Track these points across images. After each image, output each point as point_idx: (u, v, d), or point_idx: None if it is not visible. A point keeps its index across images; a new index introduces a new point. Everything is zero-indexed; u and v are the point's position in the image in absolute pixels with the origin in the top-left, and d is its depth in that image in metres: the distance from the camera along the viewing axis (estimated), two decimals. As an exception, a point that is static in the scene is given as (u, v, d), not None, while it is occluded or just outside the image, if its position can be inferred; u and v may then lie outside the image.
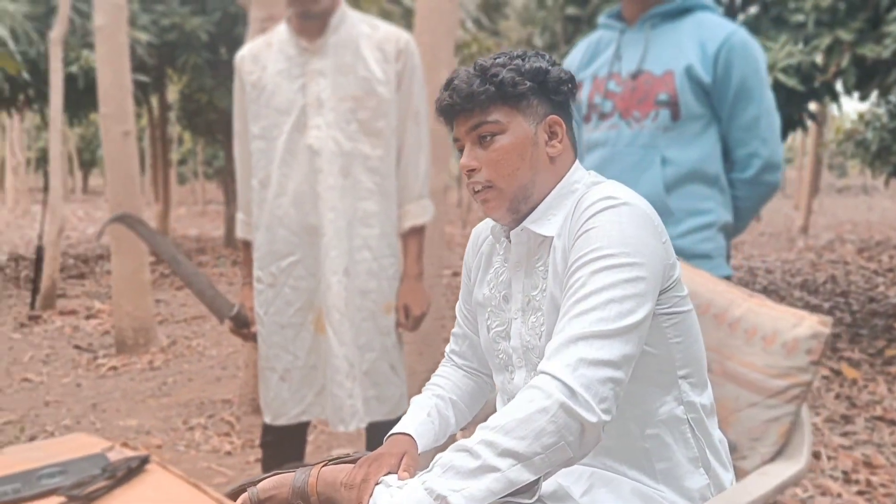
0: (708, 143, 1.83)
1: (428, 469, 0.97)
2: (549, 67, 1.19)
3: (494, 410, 1.22)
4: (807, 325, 1.35)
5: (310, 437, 3.43)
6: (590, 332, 1.00)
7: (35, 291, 6.65)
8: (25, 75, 6.27)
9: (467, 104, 1.16)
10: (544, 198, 1.19)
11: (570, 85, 1.20)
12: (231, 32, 8.99)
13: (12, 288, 7.92)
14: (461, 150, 1.21)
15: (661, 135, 1.81)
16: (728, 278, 1.86)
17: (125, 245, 5.01)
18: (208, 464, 3.20)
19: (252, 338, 2.14)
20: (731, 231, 1.91)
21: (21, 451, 1.34)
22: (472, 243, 1.37)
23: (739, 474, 1.40)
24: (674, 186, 1.82)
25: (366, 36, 2.03)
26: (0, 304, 7.01)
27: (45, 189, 6.68)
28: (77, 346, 5.33)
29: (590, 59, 1.99)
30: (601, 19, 2.00)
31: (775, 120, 1.83)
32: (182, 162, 27.67)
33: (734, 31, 1.79)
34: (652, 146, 1.82)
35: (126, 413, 3.89)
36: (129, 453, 1.27)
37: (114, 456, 1.25)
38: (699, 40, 1.80)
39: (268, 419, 2.10)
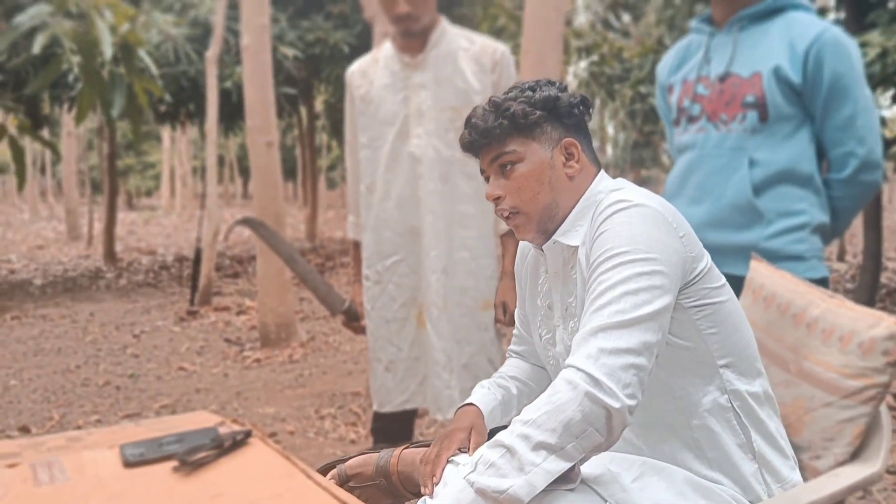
0: (800, 144, 1.81)
1: (472, 468, 1.05)
2: (559, 94, 1.28)
3: None
4: (884, 325, 1.33)
5: (430, 429, 3.60)
6: (607, 323, 1.08)
7: (194, 289, 7.30)
8: (168, 97, 6.83)
9: (485, 139, 1.27)
10: (570, 212, 1.28)
11: (581, 107, 1.29)
12: (372, 44, 9.42)
13: (176, 286, 8.71)
14: (488, 181, 1.31)
15: (748, 137, 1.81)
16: (824, 280, 1.83)
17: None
18: (334, 450, 3.44)
19: (362, 331, 2.32)
20: (828, 232, 1.87)
21: (153, 423, 1.57)
22: (519, 255, 1.46)
23: (813, 474, 1.40)
24: (763, 188, 1.81)
25: (464, 49, 2.16)
26: (164, 300, 7.74)
27: (203, 195, 7.31)
28: (227, 340, 5.82)
29: (680, 63, 2.01)
30: (692, 23, 2.02)
31: (873, 117, 1.78)
32: (331, 168, 29.07)
33: (825, 28, 1.76)
34: (739, 148, 1.82)
35: (265, 401, 4.23)
36: (237, 428, 1.45)
37: (223, 430, 1.44)
38: (788, 40, 1.78)
39: (376, 406, 2.28)
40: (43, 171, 27.89)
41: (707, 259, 1.23)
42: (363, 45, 9.54)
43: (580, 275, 1.22)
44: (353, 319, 2.32)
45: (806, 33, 1.76)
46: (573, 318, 1.27)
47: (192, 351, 5.49)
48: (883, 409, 1.40)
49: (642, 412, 1.21)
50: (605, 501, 1.14)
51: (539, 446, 1.03)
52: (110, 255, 10.84)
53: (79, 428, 3.74)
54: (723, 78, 1.86)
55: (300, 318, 6.34)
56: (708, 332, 1.20)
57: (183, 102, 8.12)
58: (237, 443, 1.38)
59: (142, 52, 3.32)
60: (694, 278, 1.19)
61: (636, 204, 1.16)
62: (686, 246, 1.18)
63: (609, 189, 1.27)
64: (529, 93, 1.27)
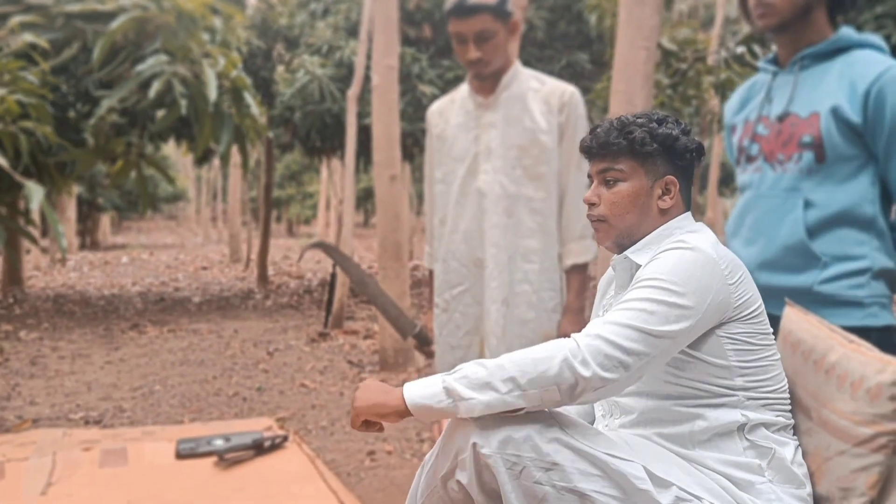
0: (861, 186, 1.75)
1: (452, 372, 1.27)
2: (679, 136, 1.41)
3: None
4: (891, 370, 1.29)
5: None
6: (614, 319, 1.25)
7: (328, 312, 7.72)
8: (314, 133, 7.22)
9: (601, 150, 1.42)
10: (647, 235, 1.42)
11: (693, 154, 1.42)
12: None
13: (315, 309, 9.23)
14: (590, 184, 1.47)
15: (804, 177, 1.78)
16: (888, 329, 1.75)
17: (390, 273, 5.68)
18: (425, 472, 3.55)
19: (432, 355, 2.44)
20: (895, 278, 1.79)
21: (216, 424, 1.77)
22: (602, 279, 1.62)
23: (828, 526, 1.36)
24: (819, 230, 1.76)
25: (533, 90, 2.25)
26: (302, 321, 8.23)
27: (339, 224, 7.75)
28: (349, 361, 6.12)
29: (743, 103, 2.00)
30: (760, 63, 2.00)
31: (941, 158, 1.69)
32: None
33: (889, 66, 1.70)
34: (794, 189, 1.79)
35: (372, 421, 4.42)
36: (279, 433, 1.61)
37: (267, 434, 1.60)
38: (850, 79, 1.74)
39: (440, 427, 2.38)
40: (215, 197, 30.35)
41: (759, 307, 1.36)
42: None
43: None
44: (424, 344, 2.44)
45: (867, 72, 1.72)
46: None
47: (316, 370, 5.82)
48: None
49: (648, 400, 1.37)
50: (564, 429, 1.25)
51: (509, 380, 1.22)
52: (263, 277, 11.65)
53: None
54: (781, 118, 1.84)
55: (420, 345, 6.54)
56: (733, 360, 1.32)
57: (328, 138, 8.68)
58: (275, 445, 1.54)
59: (247, 94, 3.67)
60: (734, 317, 1.32)
61: (692, 248, 1.31)
62: (733, 292, 1.31)
63: (685, 229, 1.41)
64: (654, 125, 1.41)
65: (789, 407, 1.41)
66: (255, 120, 3.84)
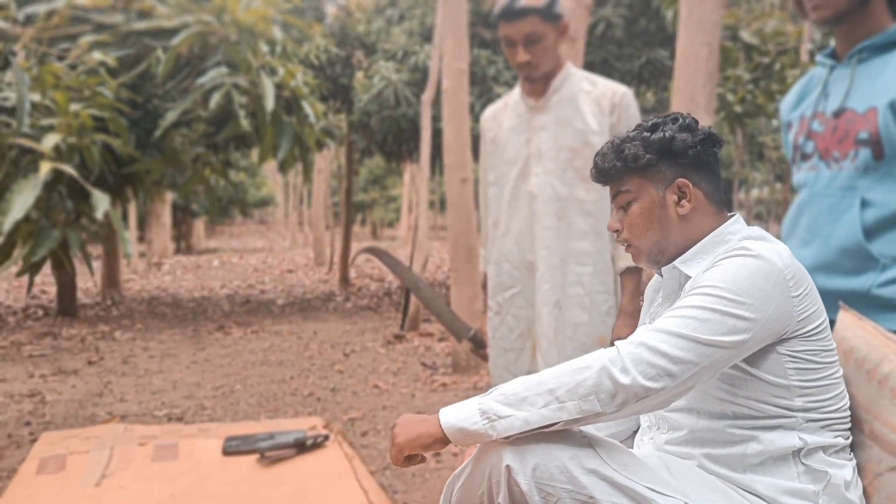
0: (923, 183, 1.66)
1: (490, 391, 1.24)
2: (675, 135, 1.34)
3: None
4: (947, 383, 1.21)
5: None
6: (661, 327, 1.19)
7: (404, 315, 7.82)
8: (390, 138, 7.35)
9: (604, 178, 1.40)
10: (689, 245, 1.36)
11: (699, 147, 1.35)
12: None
13: (393, 311, 9.37)
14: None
15: (860, 176, 1.69)
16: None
17: (463, 275, 5.71)
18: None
19: (486, 358, 2.45)
20: (960, 280, 1.68)
21: (265, 422, 1.83)
22: (651, 282, 1.58)
23: (879, 544, 1.29)
24: (877, 231, 1.68)
25: (585, 92, 2.23)
26: (379, 324, 8.37)
27: (415, 227, 7.84)
28: (423, 364, 6.18)
29: (799, 99, 1.92)
30: (818, 57, 1.92)
31: None
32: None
33: None
34: (851, 188, 1.71)
35: (441, 423, 4.46)
36: (322, 432, 1.66)
37: (310, 433, 1.65)
38: (911, 72, 1.65)
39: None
40: (301, 202, 31.19)
41: (824, 322, 1.29)
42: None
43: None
44: (479, 347, 2.45)
45: None
46: None
47: (390, 371, 5.91)
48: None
49: (699, 418, 1.32)
50: (602, 457, 1.20)
51: (548, 393, 1.17)
52: (344, 280, 11.91)
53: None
54: (837, 113, 1.76)
55: (494, 348, 6.54)
56: (793, 379, 1.26)
57: (404, 142, 8.80)
58: (316, 444, 1.58)
59: (305, 104, 3.77)
60: (796, 332, 1.25)
61: (756, 255, 1.24)
62: (797, 305, 1.24)
63: (743, 235, 1.35)
64: (647, 134, 1.37)
65: (849, 425, 1.33)
66: (312, 128, 3.95)
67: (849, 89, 1.75)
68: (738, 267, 1.23)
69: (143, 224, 17.62)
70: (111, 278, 11.02)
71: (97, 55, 3.72)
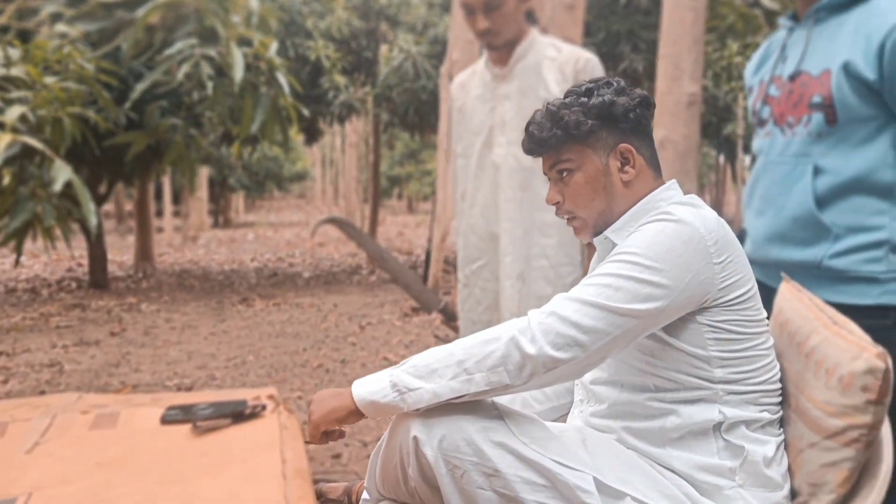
0: (879, 150, 1.58)
1: (402, 362, 1.23)
2: (615, 98, 1.29)
3: None
4: (864, 358, 1.16)
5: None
6: (574, 295, 1.17)
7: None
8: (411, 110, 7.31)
9: (541, 148, 1.34)
10: (626, 213, 1.32)
11: (638, 110, 1.30)
12: (615, 51, 9.34)
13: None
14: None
15: (814, 142, 1.62)
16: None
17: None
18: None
19: (457, 330, 2.44)
20: (920, 252, 1.61)
21: (210, 392, 1.85)
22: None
23: (796, 523, 1.26)
24: (830, 199, 1.61)
25: (550, 59, 2.18)
26: (399, 296, 8.40)
27: (434, 200, 7.82)
28: (436, 336, 6.19)
29: (760, 63, 1.85)
30: (780, 19, 1.84)
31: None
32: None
33: None
34: (803, 154, 1.64)
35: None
36: (264, 402, 1.67)
37: (252, 403, 1.66)
38: (865, 32, 1.56)
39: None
40: (337, 175, 31.39)
41: (749, 291, 1.23)
42: (606, 54, 9.50)
43: None
44: (450, 319, 2.45)
45: (883, 23, 1.53)
46: None
47: (402, 344, 5.93)
48: (887, 454, 1.22)
49: (621, 391, 1.29)
50: (511, 430, 1.18)
51: (456, 365, 1.16)
52: (371, 253, 11.98)
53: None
54: (793, 77, 1.68)
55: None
56: (713, 350, 1.21)
57: (425, 115, 8.76)
58: (253, 414, 1.59)
59: (279, 75, 3.76)
60: (718, 301, 1.20)
61: (676, 220, 1.20)
62: (719, 272, 1.19)
63: (672, 201, 1.30)
64: (584, 99, 1.31)
65: (779, 399, 1.29)
66: (287, 99, 3.94)
67: (804, 51, 1.67)
68: (656, 233, 1.19)
69: (178, 198, 17.91)
70: (144, 251, 11.25)
71: (61, 27, 3.75)
